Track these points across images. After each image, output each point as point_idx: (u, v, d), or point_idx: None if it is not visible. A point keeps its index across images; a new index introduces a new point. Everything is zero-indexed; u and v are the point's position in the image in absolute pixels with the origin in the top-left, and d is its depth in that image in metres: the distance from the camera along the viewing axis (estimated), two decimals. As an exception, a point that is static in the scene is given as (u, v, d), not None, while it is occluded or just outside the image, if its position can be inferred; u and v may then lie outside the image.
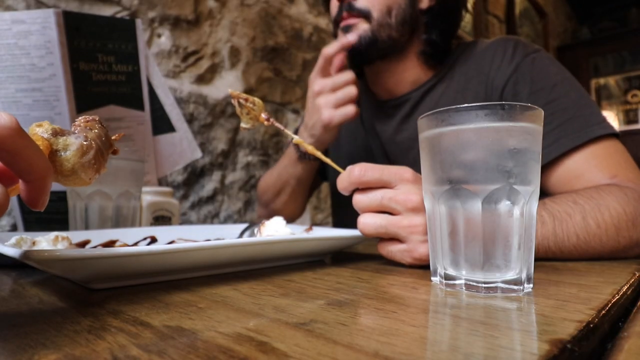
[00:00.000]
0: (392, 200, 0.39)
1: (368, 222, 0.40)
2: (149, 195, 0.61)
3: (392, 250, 0.40)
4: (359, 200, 0.41)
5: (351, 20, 0.68)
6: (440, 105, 0.70)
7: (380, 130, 0.79)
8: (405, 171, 0.39)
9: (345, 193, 0.42)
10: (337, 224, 0.91)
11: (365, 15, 0.67)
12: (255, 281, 0.32)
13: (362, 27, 0.68)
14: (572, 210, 0.46)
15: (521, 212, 0.28)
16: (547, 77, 0.62)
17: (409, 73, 0.75)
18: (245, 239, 0.34)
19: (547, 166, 0.58)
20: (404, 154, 0.75)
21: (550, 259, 0.45)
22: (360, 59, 0.71)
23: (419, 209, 0.38)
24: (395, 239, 0.40)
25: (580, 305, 0.24)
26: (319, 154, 0.48)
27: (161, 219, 0.61)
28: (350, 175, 0.40)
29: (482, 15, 2.47)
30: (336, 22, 0.71)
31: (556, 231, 0.44)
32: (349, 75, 0.66)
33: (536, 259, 0.34)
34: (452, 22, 0.73)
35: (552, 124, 0.57)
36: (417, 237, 0.38)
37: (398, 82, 0.75)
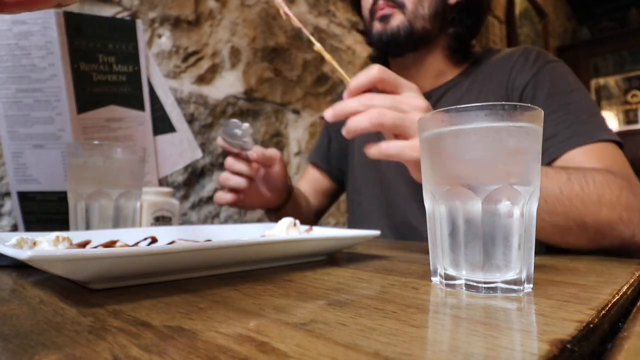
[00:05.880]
0: (402, 102, 0.43)
1: (377, 112, 0.43)
2: (150, 196, 0.61)
3: (396, 145, 0.43)
4: (370, 97, 0.44)
5: (387, 10, 0.73)
6: (463, 102, 0.74)
7: None
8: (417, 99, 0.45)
9: (360, 90, 0.45)
10: (352, 224, 0.92)
11: (400, 5, 0.72)
12: (256, 281, 0.32)
13: (398, 18, 0.72)
14: (557, 171, 0.50)
15: (521, 212, 0.28)
16: (565, 83, 0.66)
17: (435, 67, 0.79)
18: (245, 239, 0.34)
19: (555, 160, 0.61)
20: None
21: (546, 247, 0.48)
22: (398, 49, 0.75)
23: (428, 110, 0.43)
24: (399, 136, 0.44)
25: (580, 305, 0.24)
26: (331, 61, 0.51)
27: (161, 219, 0.61)
28: (369, 72, 0.44)
29: (482, 16, 2.46)
30: (371, 12, 0.75)
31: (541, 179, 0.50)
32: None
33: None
34: (477, 19, 0.78)
35: (565, 122, 0.61)
36: None
37: (423, 76, 0.79)
